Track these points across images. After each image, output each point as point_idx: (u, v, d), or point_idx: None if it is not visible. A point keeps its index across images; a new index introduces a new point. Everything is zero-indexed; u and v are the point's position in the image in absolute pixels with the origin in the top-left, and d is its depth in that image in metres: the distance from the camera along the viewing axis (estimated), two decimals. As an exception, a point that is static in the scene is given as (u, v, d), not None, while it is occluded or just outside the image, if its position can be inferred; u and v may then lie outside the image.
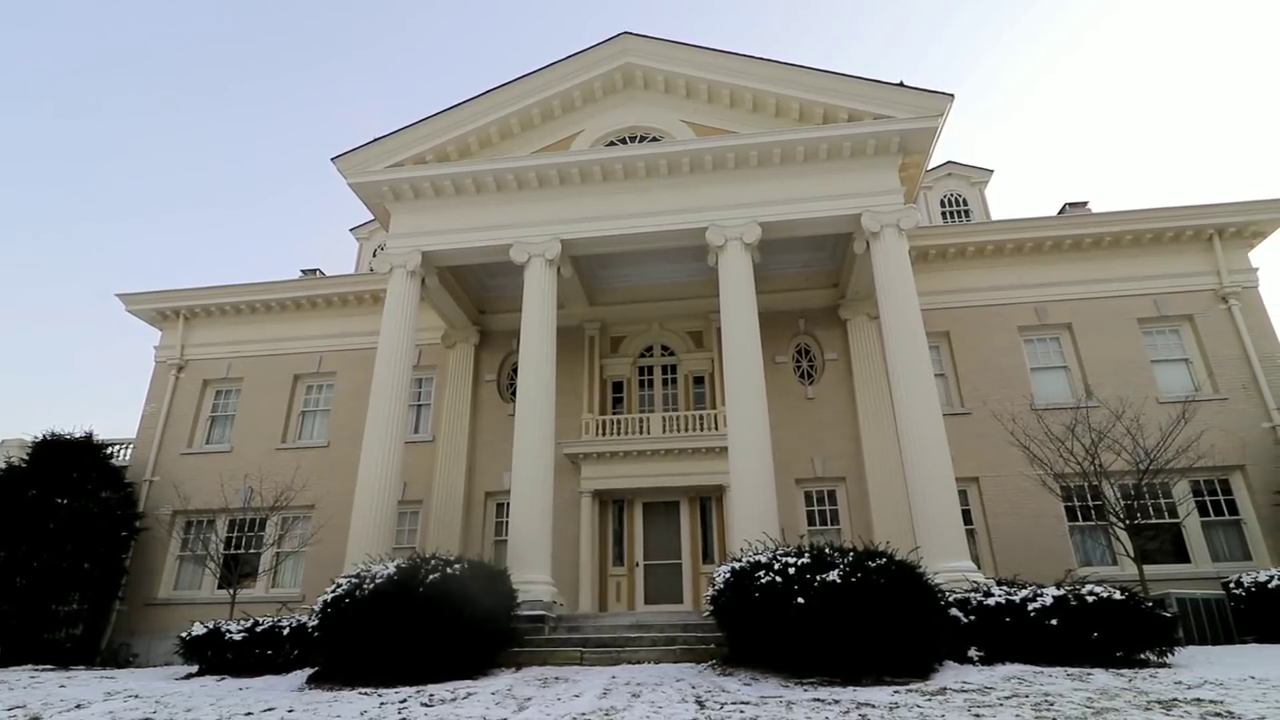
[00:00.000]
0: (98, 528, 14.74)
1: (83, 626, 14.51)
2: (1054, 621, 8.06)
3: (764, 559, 8.25)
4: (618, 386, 16.28)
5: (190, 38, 70.00)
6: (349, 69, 78.29)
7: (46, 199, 68.19)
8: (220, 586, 14.54)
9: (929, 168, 14.38)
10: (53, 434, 15.66)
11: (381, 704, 6.69)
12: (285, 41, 75.06)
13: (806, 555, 8.11)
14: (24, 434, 16.29)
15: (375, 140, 13.93)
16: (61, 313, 64.44)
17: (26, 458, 15.33)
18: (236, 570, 14.37)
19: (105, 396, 57.21)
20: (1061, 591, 8.39)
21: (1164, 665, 7.89)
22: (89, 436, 15.94)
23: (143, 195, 71.92)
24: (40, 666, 12.29)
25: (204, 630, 10.46)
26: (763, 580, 7.83)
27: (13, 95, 64.69)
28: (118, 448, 17.09)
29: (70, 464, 15.17)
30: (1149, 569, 11.35)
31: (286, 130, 78.59)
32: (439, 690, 7.31)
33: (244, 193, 76.43)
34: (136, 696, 7.70)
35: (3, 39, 60.85)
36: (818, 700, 6.24)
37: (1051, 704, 5.85)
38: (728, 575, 8.50)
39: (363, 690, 7.56)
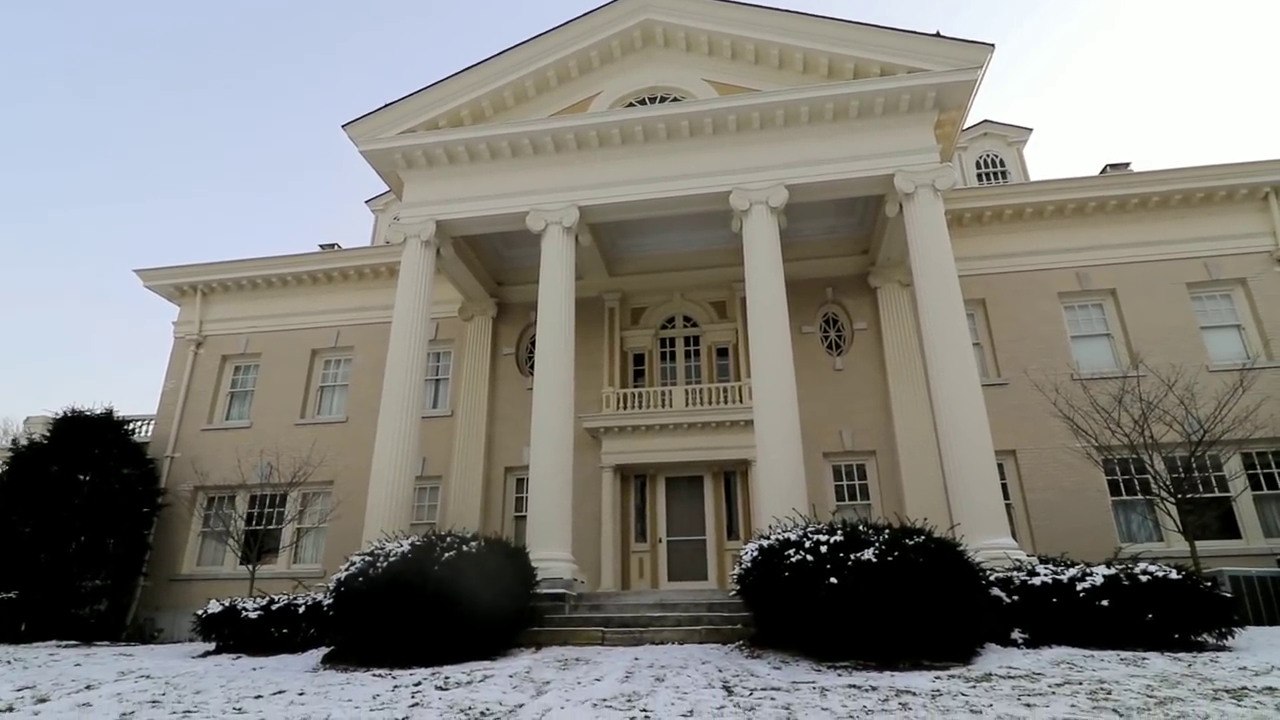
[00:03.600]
0: (120, 504, 14.73)
1: (107, 602, 14.55)
2: (1105, 602, 7.59)
3: (794, 537, 7.87)
4: (639, 359, 15.85)
5: (206, 24, 69.91)
6: (365, 49, 77.76)
7: (65, 181, 69.02)
8: (242, 562, 14.46)
9: (964, 127, 13.61)
10: (73, 410, 15.57)
11: (395, 687, 6.42)
12: (299, 25, 74.67)
13: (839, 533, 7.73)
14: (46, 411, 16.24)
15: (387, 105, 13.47)
16: (75, 293, 65.42)
17: (48, 434, 15.31)
18: (257, 546, 14.25)
19: (122, 376, 58.14)
20: (1113, 570, 7.90)
21: (1223, 648, 7.41)
22: (109, 413, 15.86)
23: (164, 178, 72.51)
24: (64, 643, 12.28)
25: (220, 608, 10.30)
26: (793, 559, 7.45)
27: (28, 76, 65.18)
28: (138, 424, 17.05)
29: (92, 441, 15.12)
30: (1197, 545, 10.76)
31: (303, 112, 78.52)
32: (455, 672, 7.04)
33: (262, 175, 76.70)
34: (148, 677, 7.54)
35: (29, 21, 61.14)
36: (853, 686, 5.86)
37: (1109, 693, 5.41)
38: (755, 554, 8.14)
39: (377, 672, 7.31)
